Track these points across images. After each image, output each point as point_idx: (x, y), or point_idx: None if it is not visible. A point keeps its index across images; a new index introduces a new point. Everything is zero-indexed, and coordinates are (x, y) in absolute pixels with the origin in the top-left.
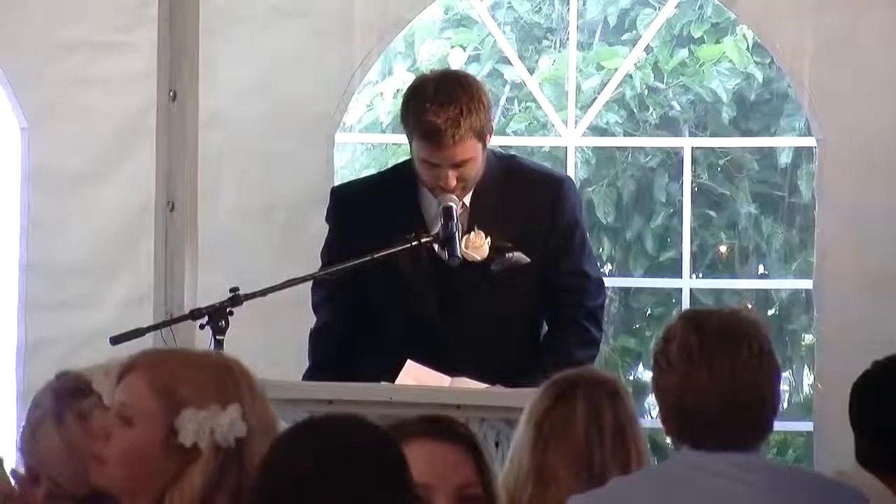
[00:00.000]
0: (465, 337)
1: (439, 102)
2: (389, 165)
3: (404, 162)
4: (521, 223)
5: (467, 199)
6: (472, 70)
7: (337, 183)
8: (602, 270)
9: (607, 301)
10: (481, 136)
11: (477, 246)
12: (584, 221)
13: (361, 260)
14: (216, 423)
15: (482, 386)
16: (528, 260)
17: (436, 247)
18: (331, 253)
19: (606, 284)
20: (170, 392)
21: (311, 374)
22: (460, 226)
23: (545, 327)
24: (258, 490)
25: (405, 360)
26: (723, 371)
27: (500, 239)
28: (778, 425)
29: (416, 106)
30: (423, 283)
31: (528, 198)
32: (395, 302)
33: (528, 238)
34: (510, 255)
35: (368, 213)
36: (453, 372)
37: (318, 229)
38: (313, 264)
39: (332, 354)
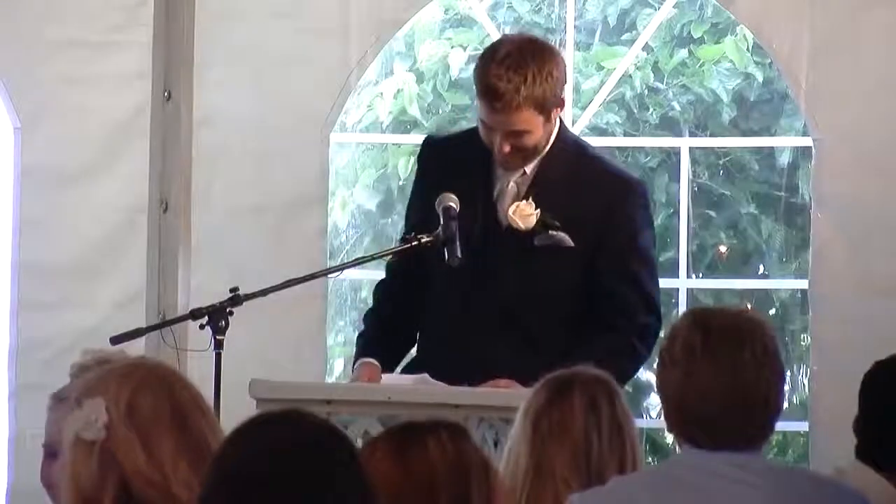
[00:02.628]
0: (499, 304)
1: (506, 66)
2: (388, 166)
3: None
4: (578, 210)
5: (529, 169)
6: (472, 70)
7: (331, 185)
8: (655, 282)
9: None
10: (543, 109)
11: (525, 214)
12: (652, 232)
13: (363, 259)
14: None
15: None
16: (572, 244)
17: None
18: (414, 202)
19: None
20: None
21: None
22: (517, 185)
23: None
24: (207, 490)
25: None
26: (725, 370)
27: (549, 216)
28: (777, 425)
29: (483, 64)
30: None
31: (594, 187)
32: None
33: (581, 226)
34: (554, 233)
35: (451, 164)
36: (492, 341)
37: (312, 229)
38: (308, 264)
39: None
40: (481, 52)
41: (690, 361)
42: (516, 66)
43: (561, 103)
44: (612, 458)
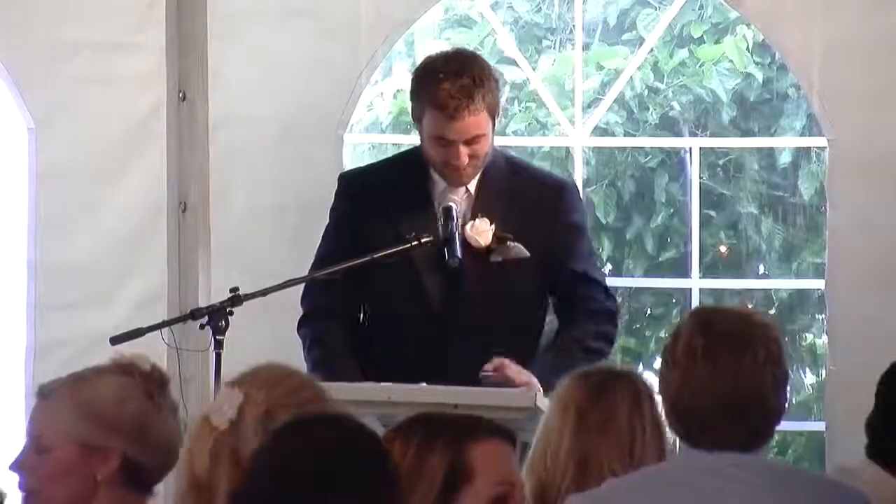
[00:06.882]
0: (468, 320)
1: (453, 73)
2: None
3: (412, 150)
4: (523, 219)
5: (472, 187)
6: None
7: None
8: (602, 271)
9: None
10: (492, 112)
11: (482, 231)
12: (588, 228)
13: (361, 260)
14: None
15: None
16: (528, 254)
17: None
18: (337, 239)
19: (610, 284)
20: None
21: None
22: (463, 206)
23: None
24: (246, 487)
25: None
26: (725, 372)
27: (501, 229)
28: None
29: (428, 78)
30: (427, 266)
31: (532, 196)
32: (400, 284)
33: (529, 235)
34: (511, 244)
35: (379, 202)
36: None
37: None
38: None
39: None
40: (415, 73)
41: (690, 363)
42: (463, 72)
43: (500, 107)
44: (653, 453)
